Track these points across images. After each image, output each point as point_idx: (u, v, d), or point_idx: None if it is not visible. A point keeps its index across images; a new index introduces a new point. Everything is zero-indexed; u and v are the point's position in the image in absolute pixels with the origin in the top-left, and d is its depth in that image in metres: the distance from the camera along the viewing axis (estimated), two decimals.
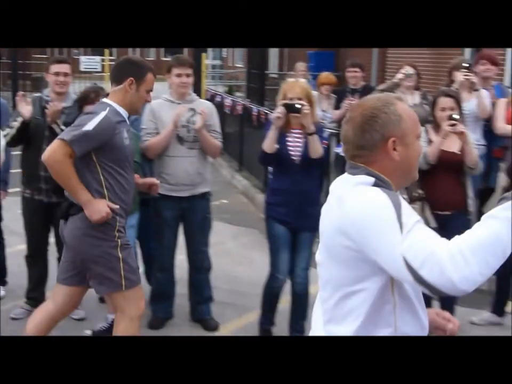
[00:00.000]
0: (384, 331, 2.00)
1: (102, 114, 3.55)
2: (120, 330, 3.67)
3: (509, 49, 10.09)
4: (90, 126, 3.50)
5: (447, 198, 4.72)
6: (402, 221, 1.84)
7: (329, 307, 2.07)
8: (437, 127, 4.81)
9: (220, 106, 10.18)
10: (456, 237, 1.79)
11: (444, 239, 1.82)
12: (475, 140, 5.47)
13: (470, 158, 4.73)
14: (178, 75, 4.85)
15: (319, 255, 2.17)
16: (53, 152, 3.51)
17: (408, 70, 6.72)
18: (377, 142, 2.02)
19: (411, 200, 4.67)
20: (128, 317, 3.67)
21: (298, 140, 4.55)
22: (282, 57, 19.90)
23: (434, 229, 4.98)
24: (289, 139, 4.55)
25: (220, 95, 12.14)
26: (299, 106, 4.39)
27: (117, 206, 3.61)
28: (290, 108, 4.41)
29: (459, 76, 5.99)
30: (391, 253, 1.83)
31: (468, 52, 10.47)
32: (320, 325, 2.13)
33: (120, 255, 3.62)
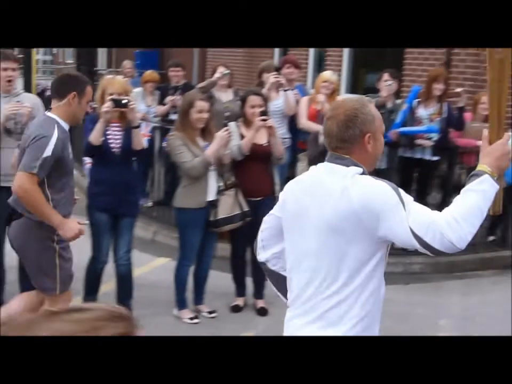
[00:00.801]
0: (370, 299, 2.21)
1: (55, 137, 3.48)
2: None
3: (311, 54, 10.63)
4: (48, 151, 3.46)
5: (257, 185, 4.89)
6: (403, 200, 2.12)
7: (333, 279, 2.20)
8: (246, 122, 4.94)
9: (49, 101, 9.71)
10: (446, 208, 2.12)
11: (435, 211, 2.12)
12: (282, 134, 5.71)
13: (277, 149, 4.93)
14: (4, 69, 4.62)
15: (315, 240, 2.24)
16: (21, 184, 3.43)
17: (224, 70, 6.85)
18: (357, 137, 2.24)
19: (226, 188, 4.78)
20: None
21: (118, 132, 4.52)
22: (111, 54, 19.40)
23: (247, 212, 5.05)
24: (109, 132, 4.50)
25: (50, 89, 11.60)
26: (126, 101, 4.36)
27: (86, 222, 3.66)
28: (117, 103, 4.37)
29: (269, 77, 6.20)
30: (401, 227, 2.09)
31: (276, 54, 10.87)
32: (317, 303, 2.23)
33: (57, 262, 3.62)
